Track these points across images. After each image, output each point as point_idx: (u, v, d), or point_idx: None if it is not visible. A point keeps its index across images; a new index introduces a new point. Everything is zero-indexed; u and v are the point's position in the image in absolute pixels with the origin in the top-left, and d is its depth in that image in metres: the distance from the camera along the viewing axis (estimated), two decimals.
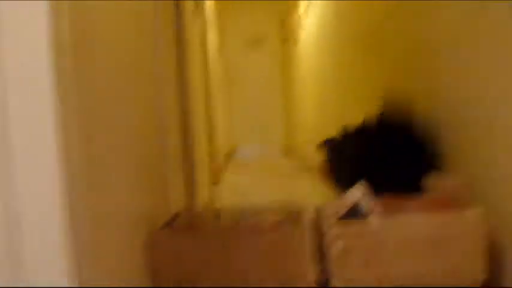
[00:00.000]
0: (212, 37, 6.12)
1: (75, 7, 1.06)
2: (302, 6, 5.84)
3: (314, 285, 1.52)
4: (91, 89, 1.13)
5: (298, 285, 1.49)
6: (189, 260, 1.48)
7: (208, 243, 1.48)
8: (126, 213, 1.37)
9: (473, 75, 1.69)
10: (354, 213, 1.60)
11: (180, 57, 2.96)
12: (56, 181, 0.91)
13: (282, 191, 4.95)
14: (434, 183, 1.65)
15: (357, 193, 1.64)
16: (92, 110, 1.13)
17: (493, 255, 1.55)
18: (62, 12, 0.97)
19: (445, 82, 1.92)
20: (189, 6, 3.39)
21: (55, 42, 0.92)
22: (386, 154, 1.89)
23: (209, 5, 5.88)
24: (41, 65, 0.90)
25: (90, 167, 1.06)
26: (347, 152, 2.08)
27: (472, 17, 1.67)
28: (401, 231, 1.48)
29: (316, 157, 5.56)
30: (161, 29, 2.18)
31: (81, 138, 1.02)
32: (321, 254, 1.63)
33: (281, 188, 5.15)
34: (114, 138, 1.29)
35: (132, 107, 1.55)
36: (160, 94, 2.09)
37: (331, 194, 3.77)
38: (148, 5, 1.92)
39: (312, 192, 4.78)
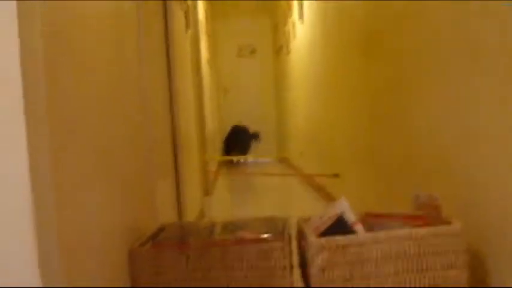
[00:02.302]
0: (205, 47, 6.13)
1: (49, 14, 1.06)
2: (294, 16, 5.87)
3: None
4: (65, 96, 1.13)
5: None
6: (170, 276, 1.47)
7: (190, 259, 1.47)
8: (105, 226, 1.37)
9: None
10: (337, 226, 1.60)
11: (170, 67, 2.97)
12: (23, 191, 0.90)
13: (274, 201, 4.95)
14: (416, 201, 1.66)
15: (341, 207, 1.64)
16: (65, 119, 1.12)
17: (475, 267, 1.56)
18: (33, 17, 0.95)
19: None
20: (178, 16, 3.41)
21: (25, 48, 0.91)
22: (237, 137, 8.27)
23: (202, 15, 5.90)
24: (10, 72, 0.89)
25: (60, 176, 1.05)
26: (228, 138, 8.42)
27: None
28: (383, 245, 1.48)
29: (308, 166, 5.56)
30: (146, 39, 2.19)
31: (52, 146, 1.01)
32: (304, 267, 1.63)
33: (273, 198, 5.15)
34: (91, 148, 1.29)
35: (114, 115, 1.54)
36: (148, 104, 2.09)
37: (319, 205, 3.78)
38: (131, 16, 1.93)
39: (301, 201, 4.78)
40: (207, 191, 5.06)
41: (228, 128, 8.63)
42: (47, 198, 0.98)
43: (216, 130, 7.96)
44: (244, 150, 7.89)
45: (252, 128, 8.40)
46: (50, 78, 1.03)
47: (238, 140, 8.08)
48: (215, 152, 7.09)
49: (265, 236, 1.55)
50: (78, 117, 1.22)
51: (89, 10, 1.35)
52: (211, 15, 7.96)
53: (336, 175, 3.94)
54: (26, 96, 0.91)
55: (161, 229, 1.79)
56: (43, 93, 0.98)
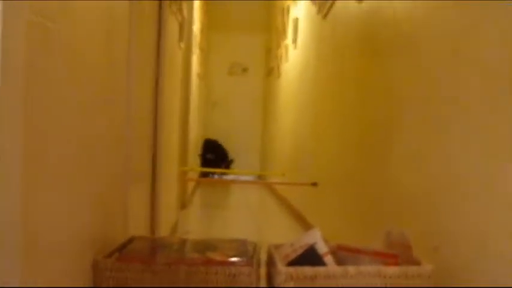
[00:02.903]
0: (196, 60, 6.13)
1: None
2: (288, 39, 5.91)
3: None
4: (44, 94, 1.11)
5: None
6: None
7: (155, 275, 1.45)
8: (71, 233, 1.33)
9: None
10: (307, 256, 1.59)
11: (158, 76, 2.95)
12: None
13: (248, 219, 4.92)
14: (387, 237, 1.66)
15: (313, 237, 1.63)
16: (42, 118, 1.10)
17: None
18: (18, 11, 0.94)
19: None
20: (173, 27, 3.40)
21: (7, 40, 0.89)
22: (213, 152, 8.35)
23: (197, 28, 5.91)
24: None
25: (30, 178, 1.03)
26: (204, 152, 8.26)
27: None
28: (352, 280, 1.47)
29: (286, 187, 5.55)
30: (138, 46, 2.17)
31: (24, 146, 0.98)
32: None
33: (248, 216, 5.12)
34: (66, 151, 1.26)
35: (94, 120, 1.52)
36: (130, 113, 2.07)
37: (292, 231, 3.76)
38: (123, 22, 1.92)
39: (274, 224, 4.76)
40: (183, 204, 5.02)
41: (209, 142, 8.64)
42: (13, 199, 0.95)
43: (200, 144, 7.93)
44: (219, 164, 8.00)
45: (239, 145, 8.43)
46: (30, 75, 1.01)
47: (213, 154, 8.26)
48: (196, 165, 7.05)
49: (234, 259, 1.53)
50: (55, 118, 1.19)
51: (79, 9, 1.33)
52: (206, 29, 7.99)
53: (314, 184, 3.96)
54: (1, 94, 0.88)
55: (130, 241, 1.75)
56: (20, 89, 0.96)
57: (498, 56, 1.38)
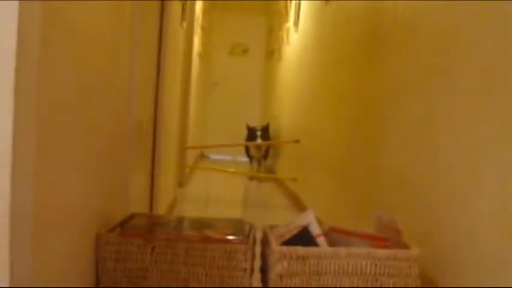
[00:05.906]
0: (198, 40, 6.15)
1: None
2: (289, 22, 5.92)
3: None
4: (53, 84, 1.16)
5: None
6: (133, 264, 1.51)
7: (155, 250, 1.51)
8: (77, 210, 1.40)
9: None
10: (301, 237, 1.65)
11: (160, 57, 2.99)
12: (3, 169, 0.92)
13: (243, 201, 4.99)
14: (378, 221, 1.72)
15: (307, 218, 1.70)
16: (53, 99, 1.15)
17: None
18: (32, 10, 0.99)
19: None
20: (175, 7, 3.43)
21: (22, 37, 0.94)
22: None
23: (199, 8, 5.91)
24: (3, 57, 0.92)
25: (41, 161, 1.08)
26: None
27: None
28: (342, 261, 1.54)
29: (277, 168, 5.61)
30: (141, 27, 2.21)
31: (35, 130, 1.03)
32: (264, 272, 1.68)
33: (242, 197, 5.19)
34: (70, 135, 1.32)
35: (99, 100, 1.57)
36: (133, 92, 2.12)
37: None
38: (126, 8, 1.96)
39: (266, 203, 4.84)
40: (181, 183, 5.08)
41: (212, 122, 8.64)
42: (26, 181, 1.01)
43: (199, 123, 7.97)
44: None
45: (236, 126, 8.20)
46: (43, 61, 1.06)
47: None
48: (194, 143, 7.10)
49: (231, 237, 1.59)
50: (64, 100, 1.24)
51: None
52: (208, 9, 7.97)
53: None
54: (17, 75, 0.93)
55: (131, 218, 1.82)
56: (35, 72, 1.01)
57: (490, 50, 1.43)
